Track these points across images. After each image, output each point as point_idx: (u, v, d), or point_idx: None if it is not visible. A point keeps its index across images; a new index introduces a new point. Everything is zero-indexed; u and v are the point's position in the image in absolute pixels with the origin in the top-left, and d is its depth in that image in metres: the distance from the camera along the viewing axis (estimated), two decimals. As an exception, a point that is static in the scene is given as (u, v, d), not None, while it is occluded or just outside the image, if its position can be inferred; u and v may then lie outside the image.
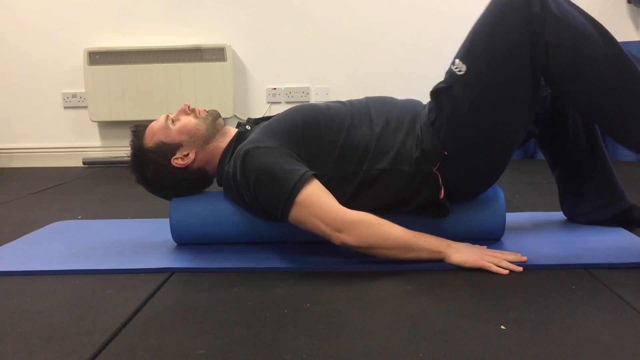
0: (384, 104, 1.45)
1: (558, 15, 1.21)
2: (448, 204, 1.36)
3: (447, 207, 1.36)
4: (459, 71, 1.29)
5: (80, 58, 3.23)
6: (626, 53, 1.24)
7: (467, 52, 1.30)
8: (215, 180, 1.53)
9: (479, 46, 1.28)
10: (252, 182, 1.32)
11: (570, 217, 1.65)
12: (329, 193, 1.30)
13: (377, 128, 1.38)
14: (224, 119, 1.55)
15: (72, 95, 3.33)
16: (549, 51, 1.23)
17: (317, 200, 1.27)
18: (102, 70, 3.18)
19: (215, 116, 1.50)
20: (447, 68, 1.34)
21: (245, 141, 1.39)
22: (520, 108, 1.31)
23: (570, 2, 1.26)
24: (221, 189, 1.50)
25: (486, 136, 1.32)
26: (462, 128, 1.31)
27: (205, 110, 1.51)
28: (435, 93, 1.34)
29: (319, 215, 1.27)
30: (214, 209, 1.47)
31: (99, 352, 0.94)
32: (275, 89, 3.29)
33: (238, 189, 1.38)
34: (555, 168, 1.64)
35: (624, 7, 3.13)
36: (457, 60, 1.31)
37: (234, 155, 1.40)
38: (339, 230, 1.26)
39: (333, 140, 1.37)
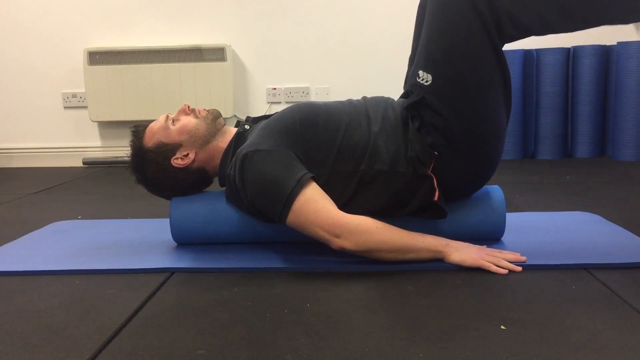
0: (382, 104, 1.45)
1: None
2: (444, 206, 1.36)
3: (443, 209, 1.36)
4: (426, 82, 1.30)
5: (80, 58, 3.22)
6: None
7: (427, 61, 1.30)
8: (215, 179, 1.53)
9: (436, 52, 1.29)
10: (250, 187, 1.32)
11: None
12: (327, 197, 1.30)
13: (375, 128, 1.38)
14: (224, 119, 1.54)
15: (72, 95, 3.33)
16: (515, 19, 1.23)
17: (314, 206, 1.27)
18: (102, 70, 3.18)
19: (215, 115, 1.50)
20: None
21: (245, 144, 1.38)
22: (495, 93, 1.31)
23: None
24: (221, 188, 1.50)
25: (472, 131, 1.32)
26: (448, 130, 1.31)
27: (205, 109, 1.51)
28: (410, 107, 1.35)
29: (316, 222, 1.27)
30: (214, 209, 1.47)
31: (99, 352, 0.94)
32: (275, 89, 3.29)
33: (238, 191, 1.38)
34: None
35: (624, 7, 3.13)
36: (420, 72, 1.31)
37: (234, 158, 1.40)
38: (337, 236, 1.26)
39: (331, 139, 1.37)
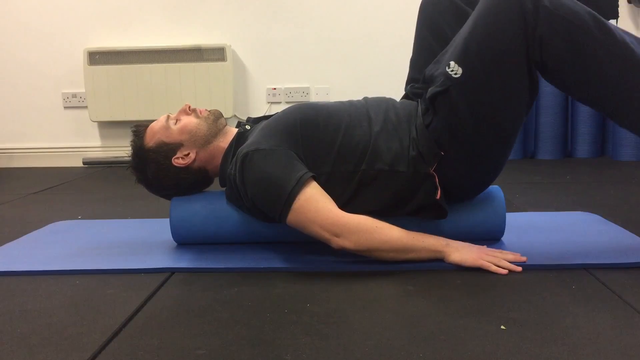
0: (383, 104, 1.45)
1: (550, 8, 1.21)
2: (445, 206, 1.35)
3: (444, 209, 1.36)
4: (455, 74, 1.29)
5: (80, 58, 3.23)
6: (621, 39, 1.22)
7: (462, 54, 1.29)
8: (215, 179, 1.53)
9: (474, 47, 1.27)
10: (250, 186, 1.32)
11: None
12: (327, 196, 1.30)
13: (376, 128, 1.38)
14: (225, 119, 1.55)
15: (72, 95, 3.33)
16: (543, 46, 1.23)
17: (314, 205, 1.27)
18: (102, 70, 3.18)
19: (217, 116, 1.50)
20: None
21: (246, 143, 1.39)
22: (518, 106, 1.31)
23: None
24: (222, 189, 1.50)
25: (484, 136, 1.32)
26: (459, 130, 1.31)
27: (207, 109, 1.51)
28: (432, 97, 1.34)
29: (316, 221, 1.27)
30: (214, 209, 1.47)
31: (99, 352, 0.94)
32: (275, 89, 3.29)
33: (239, 191, 1.38)
34: None
35: (624, 7, 3.13)
36: (452, 63, 1.30)
37: (234, 157, 1.40)
38: (337, 235, 1.26)
39: (331, 139, 1.37)
